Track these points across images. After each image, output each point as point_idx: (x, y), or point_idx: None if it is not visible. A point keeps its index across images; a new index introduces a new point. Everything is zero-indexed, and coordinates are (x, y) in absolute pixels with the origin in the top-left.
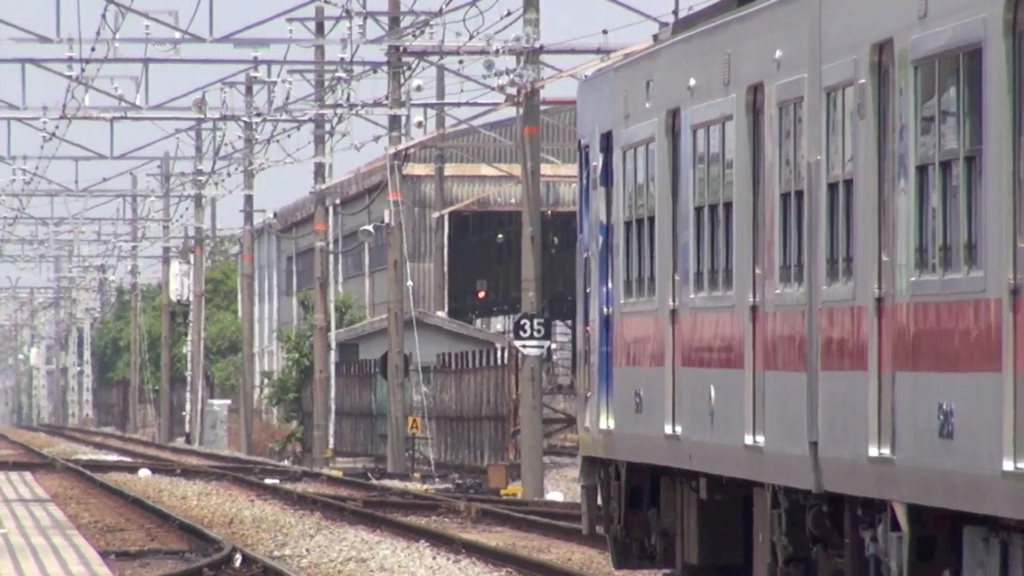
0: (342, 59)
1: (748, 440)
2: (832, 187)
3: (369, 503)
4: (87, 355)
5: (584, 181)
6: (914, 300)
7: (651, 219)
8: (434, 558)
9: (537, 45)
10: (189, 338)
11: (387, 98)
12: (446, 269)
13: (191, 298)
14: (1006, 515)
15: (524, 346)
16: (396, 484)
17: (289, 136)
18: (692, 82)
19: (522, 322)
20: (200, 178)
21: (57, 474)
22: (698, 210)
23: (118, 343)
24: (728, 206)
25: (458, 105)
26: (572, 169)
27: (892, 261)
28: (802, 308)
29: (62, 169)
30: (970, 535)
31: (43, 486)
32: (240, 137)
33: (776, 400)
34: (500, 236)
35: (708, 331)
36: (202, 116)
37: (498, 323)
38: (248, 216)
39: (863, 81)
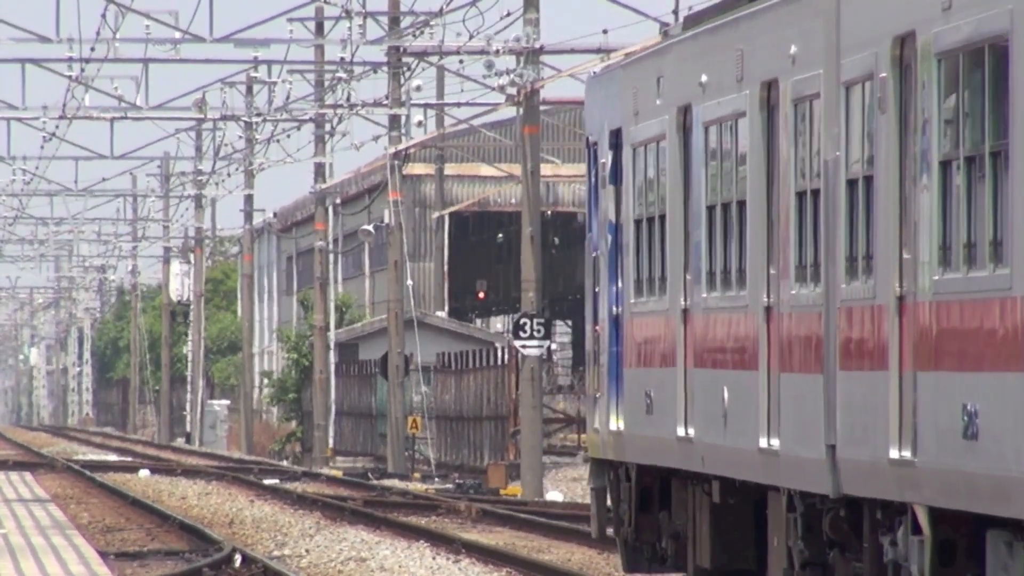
0: (342, 59)
1: (763, 443)
2: (851, 184)
3: (369, 503)
4: (87, 355)
5: (593, 179)
6: (937, 298)
7: (662, 217)
8: (434, 558)
9: (537, 45)
10: (189, 338)
11: (387, 98)
12: (446, 269)
13: (191, 298)
14: None
15: (524, 346)
16: (396, 484)
17: (289, 136)
18: (704, 78)
19: (522, 322)
20: (200, 178)
21: (57, 474)
22: (710, 208)
23: (118, 343)
24: (741, 204)
25: (458, 105)
26: (572, 169)
27: (914, 259)
28: (819, 308)
29: (62, 169)
30: (994, 539)
31: (43, 486)
32: (240, 137)
33: (792, 402)
34: (500, 236)
35: (721, 332)
36: (202, 116)
37: (498, 323)
38: (248, 216)
39: (884, 75)
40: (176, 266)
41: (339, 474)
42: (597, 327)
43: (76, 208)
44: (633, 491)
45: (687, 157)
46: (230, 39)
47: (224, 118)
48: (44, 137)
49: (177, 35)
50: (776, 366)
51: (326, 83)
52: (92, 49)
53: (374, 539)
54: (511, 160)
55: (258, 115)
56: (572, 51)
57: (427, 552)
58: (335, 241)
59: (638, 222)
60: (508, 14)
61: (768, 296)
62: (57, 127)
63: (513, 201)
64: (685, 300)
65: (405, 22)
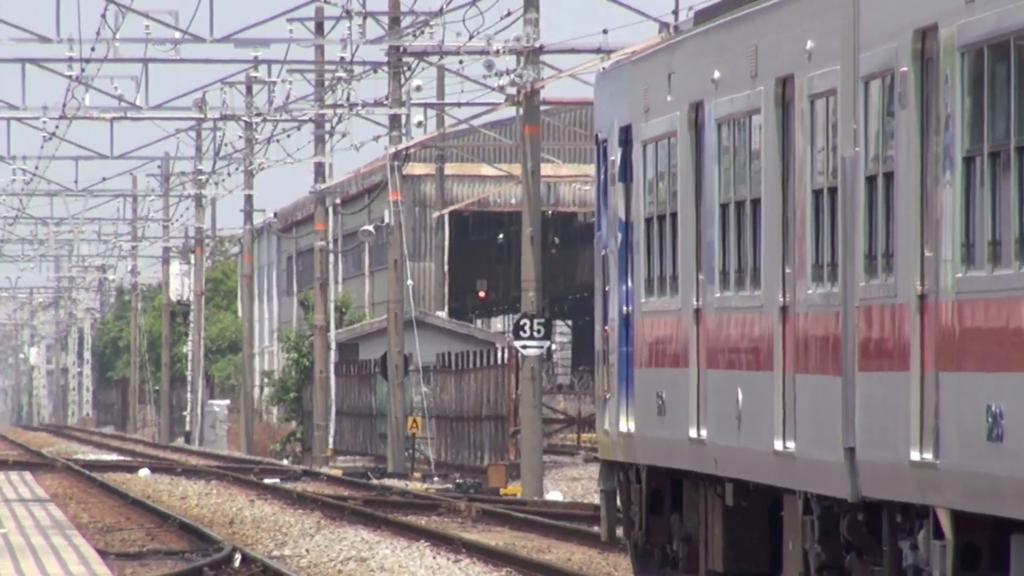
0: (342, 59)
1: (778, 445)
2: (870, 180)
3: (369, 503)
4: (87, 355)
5: (602, 176)
6: (960, 297)
7: (673, 215)
8: (434, 558)
9: (537, 45)
10: (189, 338)
11: (387, 98)
12: (446, 269)
13: (191, 298)
14: None
15: (524, 346)
16: (396, 484)
17: (289, 136)
18: (716, 74)
19: (522, 322)
20: (200, 178)
21: (57, 474)
22: (723, 206)
23: (118, 343)
24: (756, 202)
25: (458, 105)
26: (572, 169)
27: (936, 257)
28: (837, 307)
29: (62, 169)
30: (1018, 543)
31: (43, 486)
32: (240, 137)
33: (808, 404)
34: (500, 236)
35: (735, 332)
36: (202, 116)
37: (498, 323)
38: (248, 216)
39: (905, 69)
40: (176, 266)
41: (339, 474)
42: (606, 327)
43: (76, 208)
44: (644, 493)
45: (699, 154)
46: (230, 39)
47: (224, 118)
48: (44, 137)
49: (177, 35)
50: (792, 367)
51: (326, 83)
52: (92, 49)
53: (374, 539)
54: (511, 160)
55: (258, 115)
56: (572, 51)
57: (427, 552)
58: (335, 241)
59: (648, 220)
60: (508, 14)
61: (783, 295)
62: (57, 127)
63: (513, 201)
64: (698, 299)
65: (405, 22)
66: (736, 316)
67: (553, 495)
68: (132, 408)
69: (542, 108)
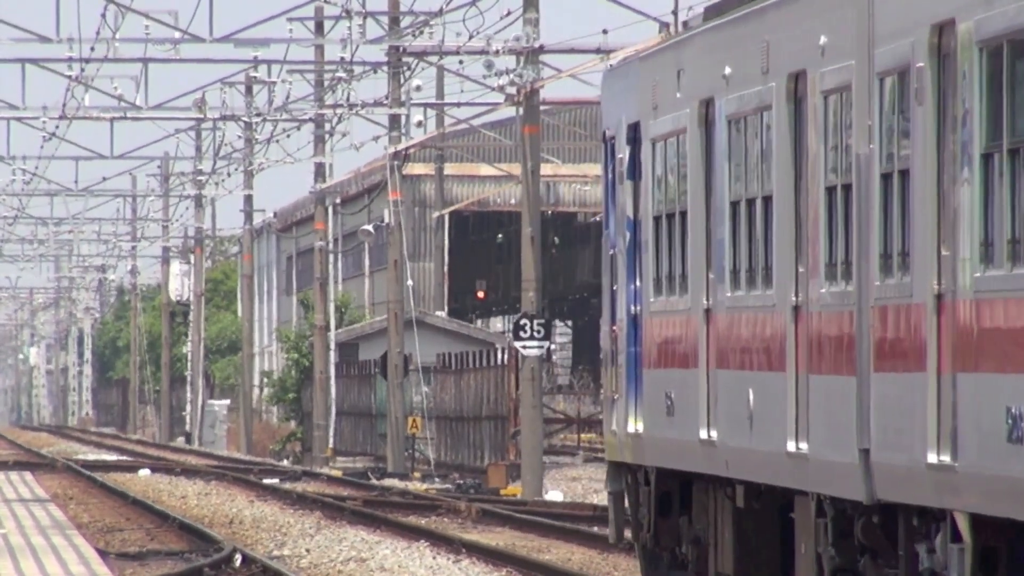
0: (342, 59)
1: (791, 447)
2: (885, 178)
3: (369, 503)
4: (87, 355)
5: (610, 175)
6: (978, 296)
7: (683, 214)
8: (434, 558)
9: (537, 45)
10: (189, 338)
11: (387, 98)
12: (446, 269)
13: (191, 298)
14: None
15: (524, 346)
16: (396, 484)
17: (289, 136)
18: (727, 71)
19: (522, 322)
20: (200, 178)
21: (57, 474)
22: (734, 204)
23: (118, 343)
24: (767, 200)
25: (458, 105)
26: (572, 169)
27: (953, 255)
28: (851, 307)
29: (62, 169)
30: None
31: (43, 486)
32: (240, 137)
33: (822, 404)
34: (500, 236)
35: (746, 331)
36: (202, 116)
37: (498, 323)
38: (248, 216)
39: (921, 65)
40: (176, 266)
41: (339, 474)
42: (614, 327)
43: (76, 208)
44: (652, 495)
45: (709, 151)
46: (230, 39)
47: (224, 118)
48: (44, 137)
49: (177, 35)
50: (805, 367)
51: (326, 83)
52: (92, 49)
53: (374, 539)
54: (511, 160)
55: (258, 115)
56: (572, 51)
57: (427, 552)
58: (335, 241)
59: (657, 218)
60: (508, 14)
61: (796, 295)
62: (57, 127)
63: (513, 201)
64: (708, 299)
65: (405, 22)
66: (747, 315)
67: (553, 495)
68: (132, 408)
69: (542, 108)
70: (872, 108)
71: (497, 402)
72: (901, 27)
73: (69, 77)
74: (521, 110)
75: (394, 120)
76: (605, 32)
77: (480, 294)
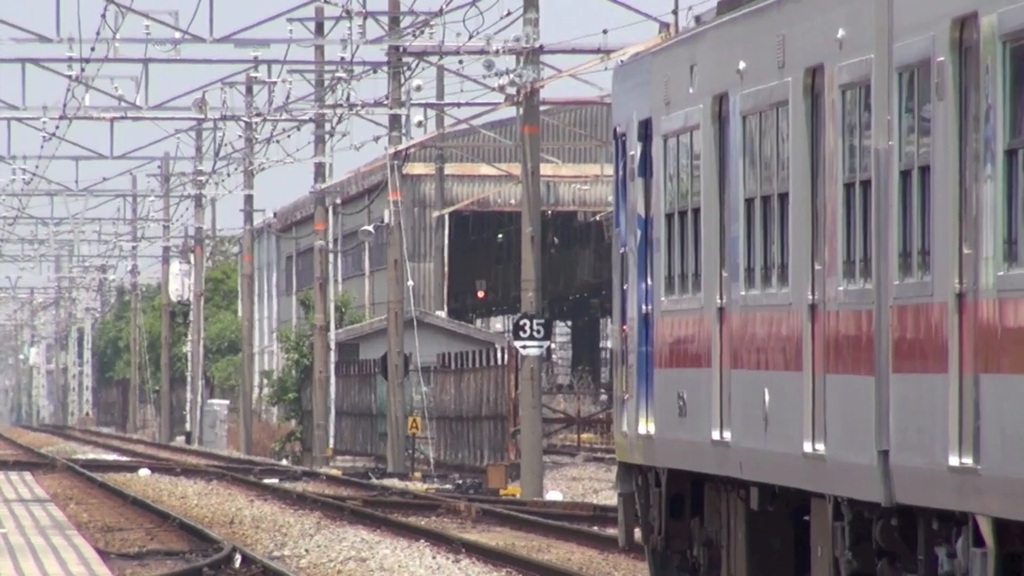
0: (342, 59)
1: (807, 448)
2: (905, 175)
3: (369, 503)
4: (87, 355)
5: (621, 172)
6: (1001, 296)
7: (696, 211)
8: (434, 558)
9: (537, 45)
10: (189, 338)
11: (387, 98)
12: (446, 269)
13: (191, 298)
14: None
15: (524, 346)
16: (396, 484)
17: (289, 136)
18: (742, 65)
19: (522, 322)
20: (200, 178)
21: (57, 474)
22: (748, 201)
23: (118, 343)
24: (783, 197)
25: (458, 105)
26: (572, 169)
27: (975, 254)
28: (869, 305)
29: (62, 169)
30: None
31: (43, 486)
32: (240, 137)
33: (839, 405)
34: (500, 236)
35: (761, 330)
36: (202, 116)
37: (498, 323)
38: (248, 216)
39: (942, 59)
40: (176, 266)
41: (339, 474)
42: (625, 326)
43: (76, 208)
44: (663, 497)
45: (723, 148)
46: (230, 39)
47: (224, 118)
48: (44, 137)
49: (177, 35)
50: (821, 367)
51: (326, 83)
52: (92, 49)
53: (374, 539)
54: (511, 160)
55: (258, 115)
56: (572, 51)
57: (427, 552)
58: (335, 241)
59: (669, 216)
60: (508, 14)
61: (813, 293)
62: (57, 127)
63: (513, 201)
64: (721, 297)
65: (405, 22)
66: (762, 314)
67: (553, 495)
68: (132, 408)
69: (542, 108)
70: (891, 103)
71: (497, 402)
72: (921, 20)
73: (69, 77)
74: (521, 110)
75: (394, 120)
76: (605, 32)
77: (480, 294)
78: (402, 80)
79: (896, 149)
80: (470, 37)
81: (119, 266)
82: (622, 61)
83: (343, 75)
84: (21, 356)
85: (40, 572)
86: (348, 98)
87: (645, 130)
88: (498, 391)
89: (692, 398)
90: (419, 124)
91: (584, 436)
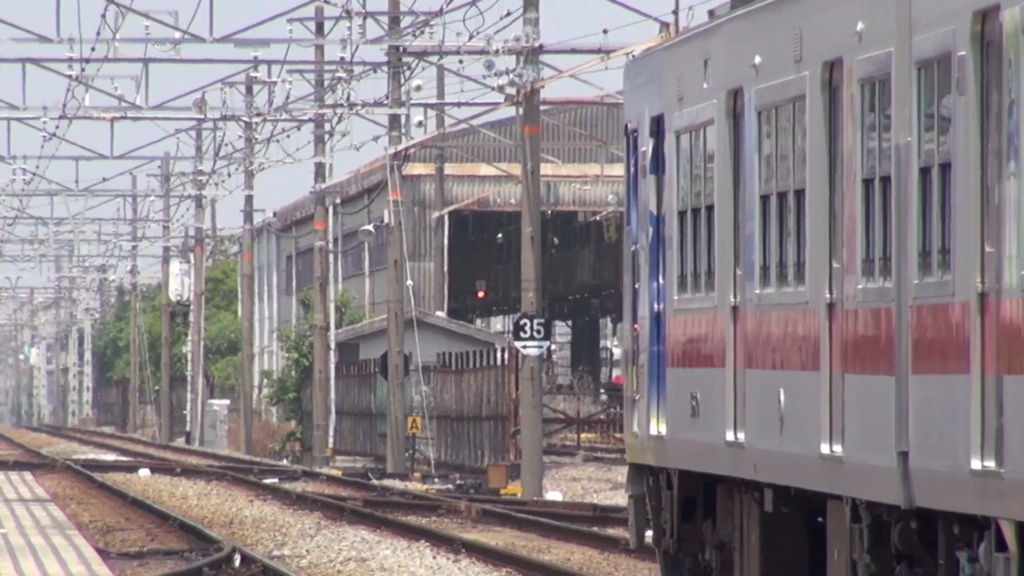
0: (342, 59)
1: (824, 449)
2: (924, 172)
3: (369, 503)
4: (87, 355)
5: (632, 168)
6: None
7: (709, 208)
8: (434, 558)
9: (537, 45)
10: (189, 338)
11: (387, 98)
12: (446, 269)
13: (191, 298)
14: None
15: (524, 346)
16: (396, 484)
17: (289, 136)
18: (757, 60)
19: (522, 322)
20: (200, 178)
21: (57, 474)
22: (764, 198)
23: (118, 343)
24: (799, 193)
25: (458, 105)
26: (572, 169)
27: (998, 252)
28: (889, 304)
29: (62, 169)
30: None
31: (43, 486)
32: (240, 137)
33: (857, 405)
34: (500, 236)
35: (776, 330)
36: (202, 116)
37: (498, 323)
38: (248, 216)
39: (963, 53)
40: (176, 266)
41: (339, 474)
42: (636, 325)
43: (76, 208)
44: (675, 499)
45: (738, 144)
46: (230, 39)
47: (224, 118)
48: (44, 137)
49: (177, 35)
50: (839, 367)
51: (326, 83)
52: (92, 49)
53: (374, 539)
54: (511, 160)
55: (258, 115)
56: (572, 51)
57: (427, 552)
58: (335, 241)
59: (682, 213)
60: (508, 14)
61: (830, 292)
62: (57, 127)
63: (513, 201)
64: (735, 296)
65: (405, 22)
66: (777, 313)
67: (553, 495)
68: (132, 408)
69: (542, 108)
70: (911, 98)
71: (497, 402)
72: (941, 14)
73: (69, 77)
74: (521, 110)
75: (394, 120)
76: (605, 32)
77: (480, 294)
78: (402, 80)
79: (915, 145)
80: (470, 37)
81: (119, 266)
82: (633, 56)
83: (343, 75)
84: (21, 356)
85: (40, 572)
86: (348, 98)
87: (657, 126)
88: (498, 391)
89: (705, 398)
90: (419, 124)
91: (584, 436)
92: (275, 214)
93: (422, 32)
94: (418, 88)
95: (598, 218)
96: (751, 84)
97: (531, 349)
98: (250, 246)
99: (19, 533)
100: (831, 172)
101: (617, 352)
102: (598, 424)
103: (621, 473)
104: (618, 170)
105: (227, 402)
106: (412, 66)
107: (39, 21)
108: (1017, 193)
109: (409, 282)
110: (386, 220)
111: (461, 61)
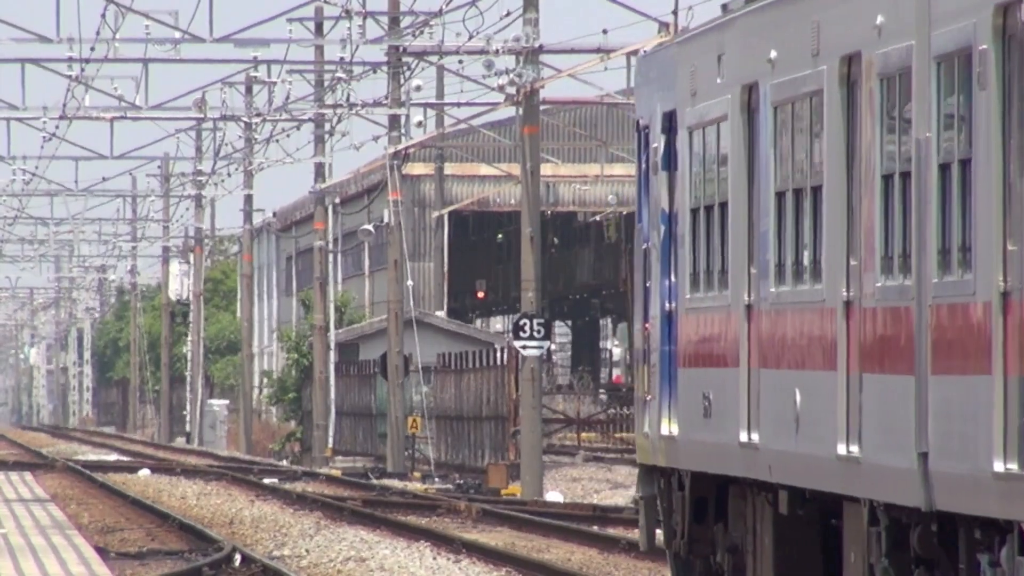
0: (342, 59)
1: (841, 450)
2: (944, 168)
3: (369, 503)
4: (87, 355)
5: (643, 165)
6: None
7: (723, 205)
8: (434, 558)
9: (537, 45)
10: (189, 338)
11: (387, 98)
12: (446, 269)
13: (191, 298)
14: None
15: (524, 346)
16: (396, 484)
17: (289, 136)
18: (773, 54)
19: (522, 322)
20: (200, 178)
21: (57, 474)
22: (779, 195)
23: (118, 343)
24: (816, 190)
25: (458, 105)
26: (572, 169)
27: (1020, 251)
28: (908, 302)
29: (62, 169)
30: None
31: (43, 486)
32: (240, 137)
33: (875, 406)
34: (500, 236)
35: (792, 329)
36: (202, 116)
37: (498, 323)
38: (248, 216)
39: (984, 47)
40: (175, 266)
41: (339, 474)
42: (647, 324)
43: (76, 208)
44: (686, 500)
45: (752, 139)
46: (230, 39)
47: (224, 118)
48: (44, 137)
49: (177, 35)
50: (857, 366)
51: (326, 83)
52: (92, 49)
53: (374, 539)
54: (511, 160)
55: (258, 115)
56: (572, 51)
57: (427, 552)
58: (335, 241)
59: (695, 211)
60: (508, 14)
61: (848, 290)
62: (57, 127)
63: (513, 201)
64: (749, 294)
65: (405, 22)
66: (793, 311)
67: (553, 495)
68: (132, 408)
69: (542, 108)
70: (931, 92)
71: (497, 402)
72: (962, 7)
73: (69, 77)
74: (521, 110)
75: (394, 120)
76: (605, 32)
77: (480, 294)
78: (402, 80)
79: (935, 141)
80: (470, 37)
81: (119, 266)
82: (645, 52)
83: (343, 75)
84: (21, 356)
85: (40, 572)
86: (348, 98)
87: (669, 122)
88: (498, 391)
89: (718, 398)
90: (419, 124)
91: (584, 436)
92: (275, 214)
93: (422, 32)
94: (418, 88)
95: (598, 218)
96: (766, 79)
97: (531, 349)
98: (250, 246)
99: (19, 533)
100: (849, 168)
101: (617, 352)
102: (598, 424)
103: (621, 473)
104: (618, 170)
105: (227, 402)
106: (412, 66)
107: (39, 21)
108: None
109: (409, 282)
110: (386, 220)
111: (461, 61)
